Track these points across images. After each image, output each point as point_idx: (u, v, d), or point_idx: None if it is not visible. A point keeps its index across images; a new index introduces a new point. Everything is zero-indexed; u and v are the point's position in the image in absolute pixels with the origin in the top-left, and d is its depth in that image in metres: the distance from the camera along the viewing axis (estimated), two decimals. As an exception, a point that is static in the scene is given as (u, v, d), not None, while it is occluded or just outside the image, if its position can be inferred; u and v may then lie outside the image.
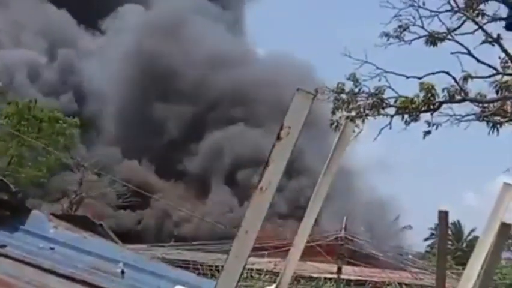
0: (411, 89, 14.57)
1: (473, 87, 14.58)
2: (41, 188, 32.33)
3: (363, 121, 14.95)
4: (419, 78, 14.40)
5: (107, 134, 47.96)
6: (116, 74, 48.67)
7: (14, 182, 26.03)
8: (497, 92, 14.38)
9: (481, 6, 14.53)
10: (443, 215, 4.20)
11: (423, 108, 14.38)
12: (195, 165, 47.59)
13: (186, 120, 48.47)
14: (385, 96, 14.74)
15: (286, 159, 2.25)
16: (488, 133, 14.30)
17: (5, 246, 5.09)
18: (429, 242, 56.85)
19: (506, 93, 14.28)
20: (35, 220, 6.76)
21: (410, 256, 30.14)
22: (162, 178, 45.68)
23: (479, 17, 14.50)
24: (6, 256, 4.90)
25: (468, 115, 14.57)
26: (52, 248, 5.21)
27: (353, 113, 15.12)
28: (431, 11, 14.74)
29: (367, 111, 15.00)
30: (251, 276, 22.12)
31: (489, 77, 14.38)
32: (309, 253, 17.65)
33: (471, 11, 14.42)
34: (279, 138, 2.29)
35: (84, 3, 50.07)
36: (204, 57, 48.22)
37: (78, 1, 49.81)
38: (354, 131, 11.44)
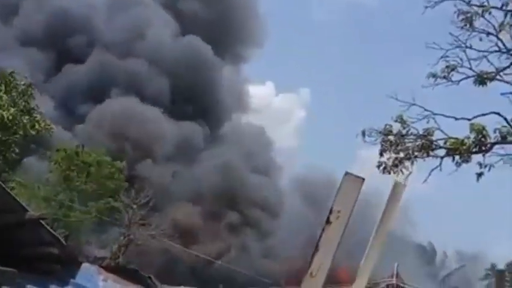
0: (461, 131, 14.23)
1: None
2: (90, 232, 32.70)
3: (412, 163, 14.66)
4: (469, 119, 14.08)
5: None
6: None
7: (64, 227, 26.45)
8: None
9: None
10: (501, 276, 4.04)
11: (474, 150, 14.00)
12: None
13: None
14: (434, 138, 14.43)
15: (336, 244, 2.16)
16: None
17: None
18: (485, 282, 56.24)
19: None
20: (85, 273, 6.78)
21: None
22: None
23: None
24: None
25: (521, 155, 14.12)
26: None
27: (401, 155, 14.84)
28: (478, 51, 14.48)
29: (416, 153, 14.70)
30: None
31: (542, 116, 13.95)
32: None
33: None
34: (328, 222, 2.21)
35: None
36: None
37: None
38: (404, 178, 11.21)
